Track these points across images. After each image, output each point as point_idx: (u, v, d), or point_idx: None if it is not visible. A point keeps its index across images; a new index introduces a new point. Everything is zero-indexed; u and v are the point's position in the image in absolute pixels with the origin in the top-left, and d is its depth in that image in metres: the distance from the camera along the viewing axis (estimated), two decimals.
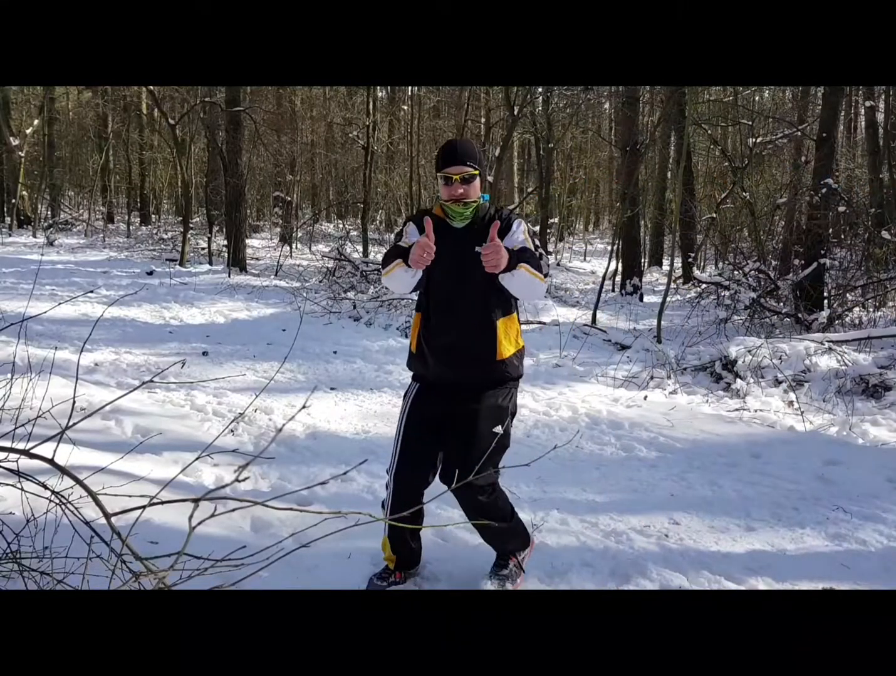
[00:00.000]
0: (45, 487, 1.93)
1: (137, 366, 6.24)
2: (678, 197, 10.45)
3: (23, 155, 19.48)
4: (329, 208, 24.91)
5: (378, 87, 18.28)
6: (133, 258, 15.08)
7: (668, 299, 8.61)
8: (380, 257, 12.74)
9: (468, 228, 2.66)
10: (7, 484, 2.43)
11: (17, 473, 2.06)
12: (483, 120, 16.72)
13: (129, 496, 1.75)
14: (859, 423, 4.99)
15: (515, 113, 11.39)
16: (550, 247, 16.55)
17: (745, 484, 4.02)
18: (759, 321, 8.65)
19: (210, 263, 14.35)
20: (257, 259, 15.56)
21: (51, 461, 1.77)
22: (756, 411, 5.41)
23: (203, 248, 15.50)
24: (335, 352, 7.18)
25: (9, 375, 3.13)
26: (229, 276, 12.53)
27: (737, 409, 5.48)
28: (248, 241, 15.37)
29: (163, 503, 1.61)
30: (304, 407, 1.76)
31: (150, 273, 12.55)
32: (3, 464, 2.09)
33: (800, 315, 8.23)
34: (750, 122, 12.39)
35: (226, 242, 14.42)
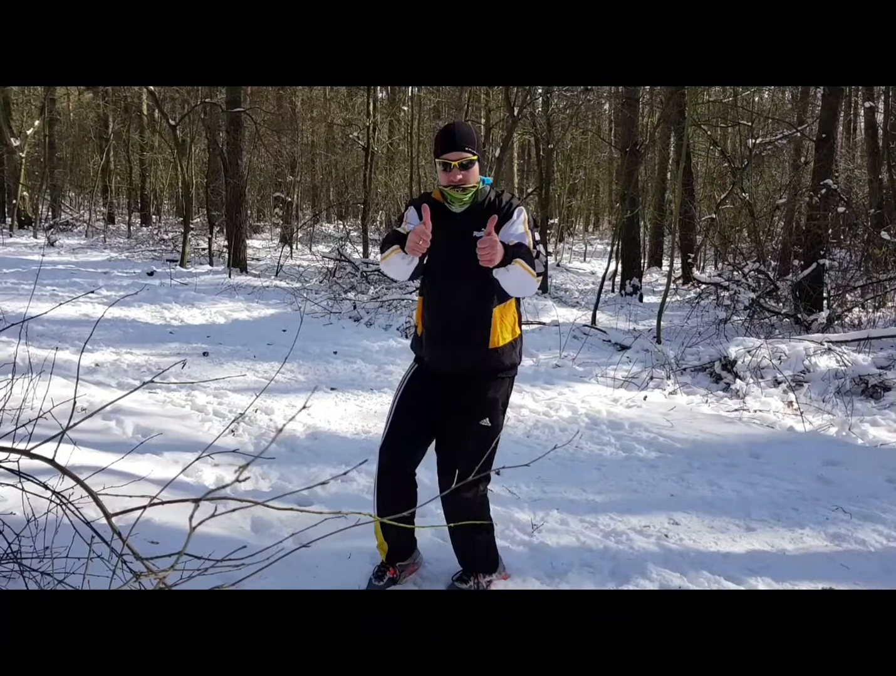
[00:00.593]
0: (46, 487, 1.93)
1: (138, 367, 6.24)
2: (678, 197, 10.45)
3: (23, 155, 19.48)
4: (329, 209, 24.92)
5: (378, 88, 18.30)
6: (134, 258, 15.08)
7: (667, 299, 8.61)
8: (380, 257, 12.72)
9: (467, 213, 2.63)
10: (8, 485, 2.43)
11: (18, 473, 2.06)
12: (483, 121, 16.72)
13: (130, 496, 1.75)
14: (859, 424, 5.00)
15: (515, 113, 11.39)
16: (550, 248, 16.54)
17: (745, 485, 4.02)
18: (759, 321, 8.65)
19: (211, 264, 14.35)
20: (258, 259, 15.56)
21: (51, 461, 1.77)
22: (755, 411, 5.41)
23: (204, 249, 15.50)
24: (335, 353, 7.18)
25: (9, 375, 3.13)
26: (230, 277, 12.53)
27: (736, 410, 5.48)
28: (248, 242, 15.37)
29: (163, 503, 1.61)
30: (304, 407, 1.76)
31: (151, 273, 12.56)
32: (3, 465, 2.10)
33: (799, 315, 8.23)
34: (749, 123, 12.39)
35: (226, 243, 14.42)
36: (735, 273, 9.83)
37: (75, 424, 1.90)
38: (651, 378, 6.30)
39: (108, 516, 1.61)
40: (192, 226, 15.58)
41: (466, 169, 2.55)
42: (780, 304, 8.81)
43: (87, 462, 3.30)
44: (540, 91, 12.89)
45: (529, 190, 19.63)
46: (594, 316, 9.13)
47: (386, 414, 2.89)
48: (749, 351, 6.26)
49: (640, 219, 14.74)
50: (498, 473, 3.73)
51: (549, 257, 13.44)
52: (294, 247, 17.49)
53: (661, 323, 8.21)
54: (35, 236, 18.35)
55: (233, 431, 4.58)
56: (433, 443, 2.82)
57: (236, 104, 13.59)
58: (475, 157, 2.56)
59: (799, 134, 12.05)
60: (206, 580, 1.71)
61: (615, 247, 11.55)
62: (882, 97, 14.19)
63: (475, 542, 2.79)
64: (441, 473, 2.70)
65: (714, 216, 12.45)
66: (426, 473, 3.90)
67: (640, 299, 12.10)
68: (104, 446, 3.88)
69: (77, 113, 26.66)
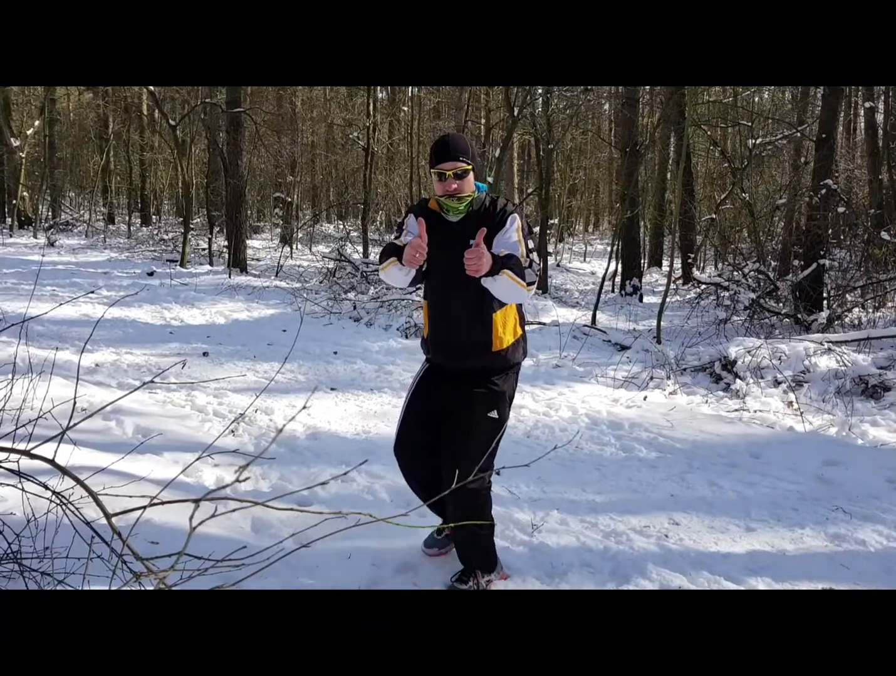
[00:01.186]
0: (46, 487, 1.93)
1: (138, 367, 6.24)
2: (678, 198, 10.45)
3: (24, 156, 19.48)
4: (329, 209, 24.92)
5: (378, 88, 18.30)
6: (134, 259, 15.08)
7: (667, 300, 8.61)
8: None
9: (463, 222, 2.68)
10: (8, 485, 2.43)
11: (18, 473, 2.06)
12: (483, 121, 16.71)
13: (130, 496, 1.75)
14: (859, 424, 4.99)
15: (515, 114, 11.39)
16: (550, 249, 16.54)
17: (745, 485, 4.02)
18: (759, 321, 8.65)
19: (211, 264, 14.35)
20: (258, 260, 15.56)
21: (51, 461, 1.77)
22: (755, 411, 5.41)
23: (204, 249, 15.51)
24: (335, 353, 7.18)
25: (10, 376, 3.13)
26: (230, 277, 12.53)
27: (736, 410, 5.48)
28: (248, 242, 15.37)
29: (163, 503, 1.61)
30: (304, 407, 1.76)
31: (151, 273, 12.56)
32: (3, 465, 2.10)
33: (799, 315, 8.23)
34: (749, 123, 12.40)
35: (226, 243, 14.43)
36: (735, 273, 9.83)
37: (75, 424, 1.90)
38: (651, 378, 6.30)
39: (108, 516, 1.61)
40: (192, 226, 15.58)
41: (461, 178, 2.59)
42: (781, 304, 8.81)
43: (87, 462, 3.30)
44: (540, 91, 12.88)
45: (529, 190, 19.62)
46: (594, 316, 9.13)
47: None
48: (749, 352, 6.26)
49: (640, 219, 14.74)
50: (498, 473, 3.73)
51: (547, 259, 13.45)
52: (294, 247, 17.49)
53: (661, 323, 8.21)
54: (35, 236, 18.35)
55: (233, 431, 4.58)
56: None
57: (236, 104, 13.59)
58: (469, 167, 2.60)
59: (799, 134, 12.05)
60: (206, 580, 1.71)
61: (615, 248, 11.55)
62: (882, 97, 14.19)
63: (476, 539, 2.80)
64: (445, 465, 2.71)
65: (714, 216, 12.45)
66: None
67: (640, 299, 12.10)
68: (104, 446, 3.88)
69: (77, 113, 26.67)
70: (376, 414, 5.20)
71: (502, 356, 2.74)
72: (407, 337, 8.06)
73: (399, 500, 3.63)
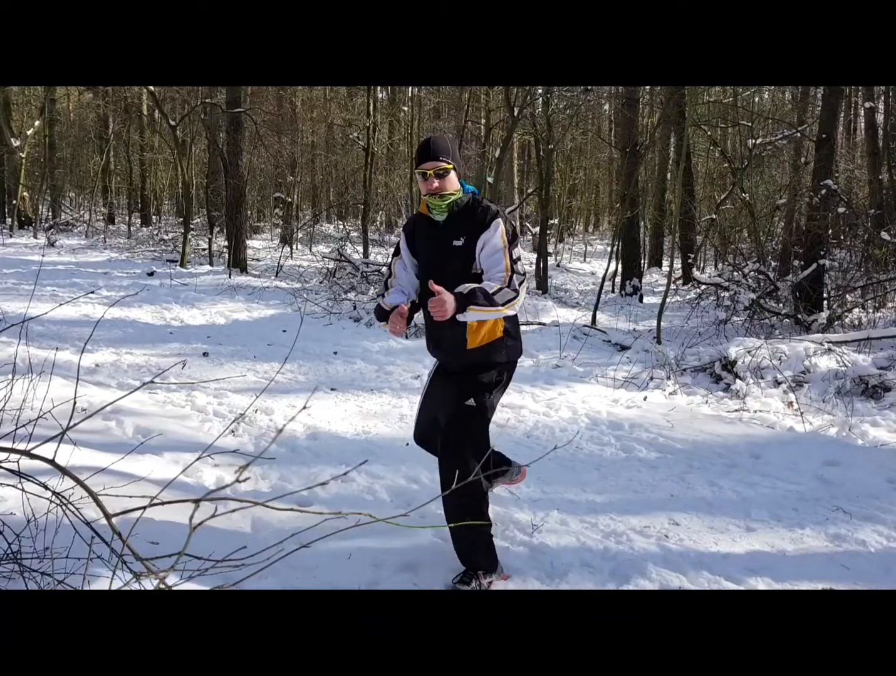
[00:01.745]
0: (46, 488, 1.93)
1: (138, 367, 6.24)
2: (678, 198, 10.45)
3: (24, 156, 19.48)
4: (329, 209, 24.91)
5: (378, 88, 18.30)
6: (134, 259, 15.08)
7: (667, 300, 8.61)
8: (380, 258, 12.79)
9: (447, 221, 2.81)
10: (8, 485, 2.43)
11: (18, 474, 2.06)
12: (483, 121, 16.71)
13: (130, 496, 1.75)
14: (859, 424, 4.99)
15: (515, 114, 11.39)
16: (550, 249, 16.54)
17: (745, 485, 4.02)
18: (759, 322, 8.65)
19: (211, 264, 14.35)
20: (258, 260, 15.56)
21: (51, 461, 1.77)
22: (756, 412, 5.41)
23: (204, 249, 15.50)
24: (335, 353, 7.18)
25: (10, 376, 3.13)
26: (230, 277, 12.53)
27: (736, 410, 5.48)
28: (248, 242, 15.36)
29: (163, 503, 1.61)
30: (304, 407, 1.76)
31: (151, 274, 12.56)
32: (3, 465, 2.10)
33: (799, 316, 8.23)
34: (749, 124, 12.40)
35: (226, 243, 14.42)
36: (735, 273, 9.83)
37: (75, 424, 1.90)
38: (651, 378, 6.30)
39: (108, 516, 1.61)
40: (192, 226, 15.58)
41: (442, 177, 2.73)
42: (781, 305, 8.81)
43: (87, 462, 3.30)
44: (540, 91, 12.89)
45: (529, 190, 19.64)
46: (594, 316, 9.13)
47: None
48: (749, 352, 6.26)
49: (641, 219, 14.74)
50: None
51: (548, 259, 13.44)
52: (294, 247, 17.49)
53: (662, 323, 8.21)
54: (35, 236, 18.35)
55: (233, 431, 4.58)
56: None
57: (236, 104, 13.59)
58: (450, 166, 2.73)
59: (799, 134, 12.05)
60: (206, 580, 1.71)
61: (615, 248, 11.55)
62: (882, 97, 14.19)
63: (476, 540, 2.82)
64: (439, 454, 2.87)
65: (714, 216, 12.45)
66: (426, 474, 3.91)
67: (641, 299, 12.10)
68: (104, 446, 3.88)
69: (77, 113, 26.67)
70: (376, 414, 5.20)
71: (478, 354, 2.84)
72: (407, 337, 8.06)
73: (399, 500, 3.63)
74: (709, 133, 14.59)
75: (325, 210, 24.43)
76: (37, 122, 20.40)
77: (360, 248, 14.49)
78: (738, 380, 6.01)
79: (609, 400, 5.72)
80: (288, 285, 11.98)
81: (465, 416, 2.80)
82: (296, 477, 3.92)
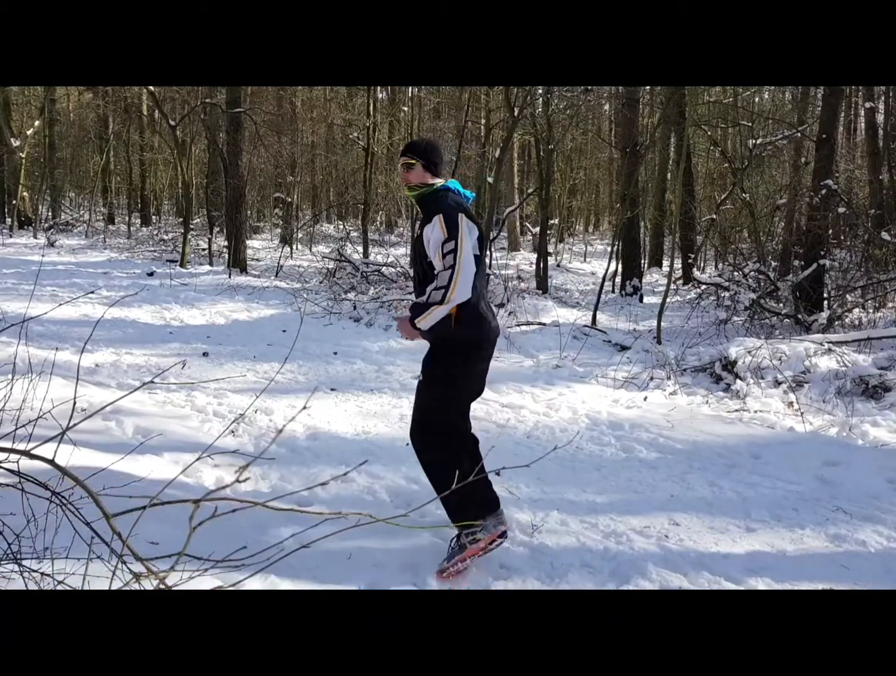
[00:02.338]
0: (46, 488, 1.93)
1: (138, 367, 6.24)
2: (678, 198, 10.45)
3: (24, 156, 19.49)
4: (329, 209, 24.91)
5: (378, 88, 18.30)
6: (134, 259, 15.08)
7: (667, 300, 8.61)
8: (380, 258, 12.81)
9: (420, 215, 3.21)
10: (8, 485, 2.42)
11: (18, 474, 2.06)
12: (483, 121, 16.71)
13: (130, 496, 1.75)
14: (859, 424, 4.99)
15: (515, 114, 11.39)
16: (550, 249, 16.54)
17: (745, 485, 4.02)
18: (759, 322, 8.65)
19: (210, 264, 14.35)
20: (258, 260, 15.56)
21: (51, 462, 1.77)
22: (756, 412, 5.41)
23: (203, 249, 15.50)
24: (335, 353, 7.18)
25: (9, 376, 3.12)
26: (230, 277, 12.53)
27: (737, 410, 5.48)
28: (248, 242, 15.36)
29: (163, 504, 1.61)
30: (304, 407, 1.76)
31: (151, 274, 12.56)
32: (3, 465, 2.09)
33: (800, 316, 8.23)
34: (750, 124, 12.39)
35: (226, 243, 14.42)
36: (735, 273, 9.83)
37: (75, 425, 1.90)
38: (651, 378, 6.30)
39: (107, 517, 1.61)
40: (191, 226, 15.58)
41: (408, 170, 3.13)
42: (781, 305, 8.81)
43: (87, 462, 3.29)
44: (540, 91, 12.89)
45: (530, 190, 19.63)
46: (594, 316, 9.13)
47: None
48: (749, 352, 6.26)
49: (641, 219, 14.73)
50: (498, 474, 3.73)
51: (548, 260, 13.44)
52: (294, 247, 17.49)
53: (662, 323, 8.21)
54: (35, 236, 18.35)
55: (233, 432, 4.58)
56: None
57: (236, 104, 13.59)
58: (413, 161, 3.12)
59: (799, 134, 12.05)
60: (206, 580, 1.71)
61: (615, 248, 11.55)
62: (882, 98, 14.19)
63: (448, 500, 2.95)
64: None
65: (714, 216, 12.45)
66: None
67: (641, 299, 12.10)
68: (104, 446, 3.88)
69: (77, 113, 26.66)
70: (376, 414, 5.19)
71: (426, 334, 3.09)
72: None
73: (399, 501, 3.63)
74: (709, 133, 14.59)
75: (325, 210, 24.43)
76: (37, 122, 20.40)
77: (360, 248, 14.50)
78: (738, 380, 6.01)
79: (609, 401, 5.72)
80: (288, 285, 11.98)
81: (419, 392, 3.13)
82: (296, 477, 3.92)
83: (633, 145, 12.28)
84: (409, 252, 3.72)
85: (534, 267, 13.03)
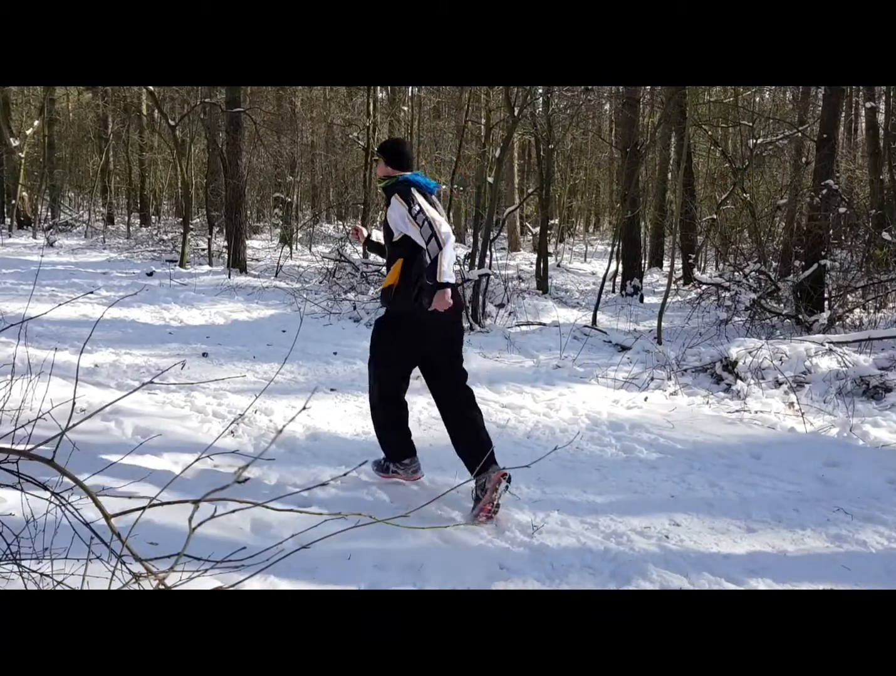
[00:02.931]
0: (45, 488, 1.93)
1: (137, 367, 6.24)
2: (678, 198, 10.45)
3: (23, 156, 19.48)
4: (329, 209, 24.91)
5: (378, 88, 18.29)
6: (133, 259, 15.07)
7: (668, 300, 8.61)
8: (380, 258, 12.77)
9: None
10: (7, 486, 2.42)
11: (18, 474, 2.06)
12: (483, 121, 16.69)
13: (129, 497, 1.75)
14: (860, 425, 4.99)
15: (516, 114, 11.38)
16: (551, 249, 16.53)
17: (746, 486, 4.02)
18: (760, 322, 8.64)
19: (210, 264, 14.34)
20: (257, 260, 15.55)
21: (51, 462, 1.77)
22: (756, 412, 5.41)
23: (203, 249, 15.49)
24: (335, 353, 7.17)
25: (9, 376, 3.13)
26: (229, 277, 12.52)
27: (737, 410, 5.47)
28: (248, 242, 15.35)
29: (163, 504, 1.61)
30: (304, 408, 1.76)
31: (150, 274, 12.55)
32: (3, 466, 2.09)
33: (800, 316, 8.22)
34: (750, 124, 12.39)
35: (226, 243, 14.41)
36: (736, 273, 9.82)
37: (74, 425, 1.90)
38: (652, 379, 6.30)
39: (107, 517, 1.61)
40: (191, 226, 15.57)
41: (376, 165, 3.69)
42: (782, 305, 8.81)
43: (86, 463, 3.29)
44: (540, 91, 12.89)
45: (530, 190, 19.63)
46: (595, 316, 9.12)
47: None
48: (750, 352, 6.26)
49: (641, 219, 14.74)
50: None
51: (548, 260, 13.43)
52: (294, 247, 17.49)
53: (662, 323, 8.21)
54: (34, 236, 18.33)
55: (232, 432, 4.57)
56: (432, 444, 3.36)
57: (236, 104, 13.58)
58: (377, 158, 3.68)
59: (800, 134, 12.05)
60: (206, 581, 1.70)
61: (616, 248, 11.55)
62: (883, 97, 14.19)
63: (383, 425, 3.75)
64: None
65: (715, 216, 12.45)
66: (426, 473, 3.91)
67: (641, 300, 12.09)
68: (104, 447, 3.87)
69: (76, 113, 26.63)
70: None
71: (385, 294, 3.57)
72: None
73: (399, 501, 3.63)
74: (710, 133, 14.59)
75: (324, 210, 24.43)
76: (36, 122, 20.39)
77: (360, 248, 14.48)
78: (738, 381, 6.01)
79: (610, 401, 5.71)
80: (287, 285, 11.97)
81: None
82: (295, 477, 3.91)
83: (634, 145, 12.27)
84: None
85: (534, 267, 13.03)
